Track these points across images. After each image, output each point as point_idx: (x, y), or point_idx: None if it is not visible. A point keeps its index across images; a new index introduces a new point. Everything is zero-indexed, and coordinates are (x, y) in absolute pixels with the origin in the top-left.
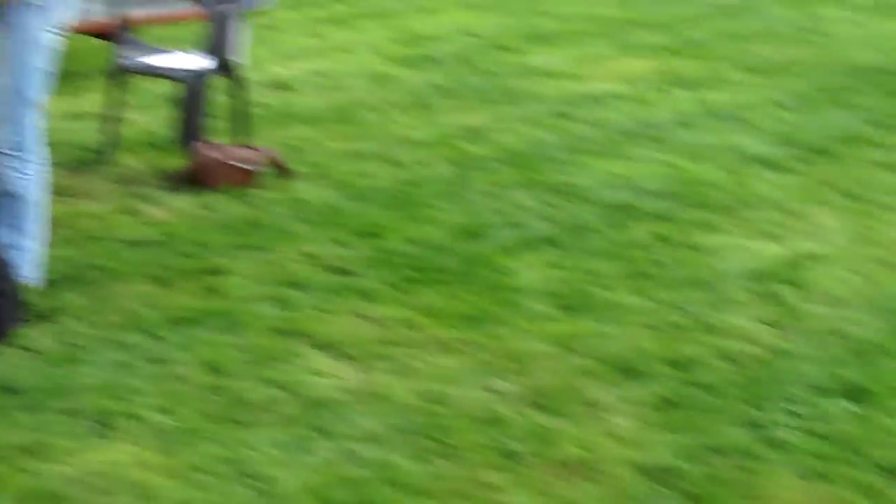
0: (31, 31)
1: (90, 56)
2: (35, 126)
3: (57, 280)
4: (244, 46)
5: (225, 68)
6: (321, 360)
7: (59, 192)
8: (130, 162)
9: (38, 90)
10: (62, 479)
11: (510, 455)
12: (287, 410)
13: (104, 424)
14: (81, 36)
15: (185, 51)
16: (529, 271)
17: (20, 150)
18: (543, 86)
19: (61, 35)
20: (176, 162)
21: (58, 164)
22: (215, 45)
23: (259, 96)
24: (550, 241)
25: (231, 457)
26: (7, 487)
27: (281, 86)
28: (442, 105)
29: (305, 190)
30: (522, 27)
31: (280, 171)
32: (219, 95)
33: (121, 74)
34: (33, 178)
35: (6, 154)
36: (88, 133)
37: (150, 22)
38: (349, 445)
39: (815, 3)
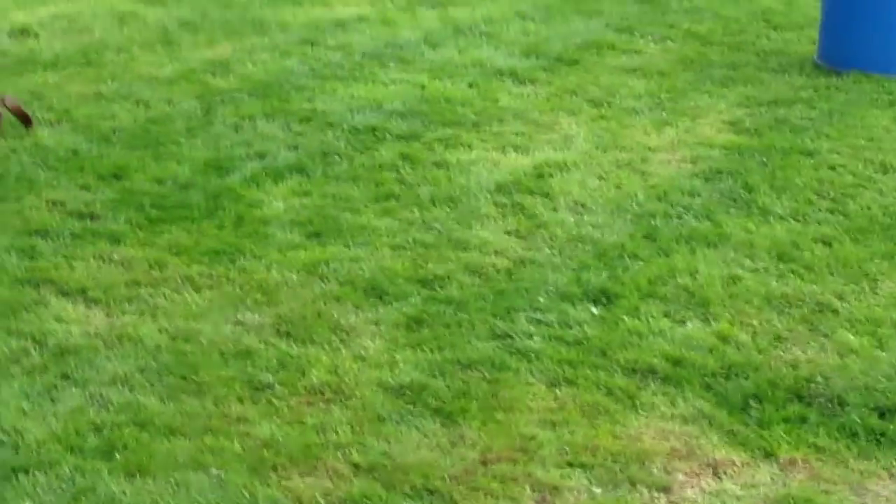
0: None
1: None
2: None
3: None
4: None
5: None
6: (68, 307)
7: None
8: None
9: None
10: None
11: (259, 386)
12: (35, 361)
13: None
14: None
15: None
16: (277, 201)
17: None
18: (290, 14)
19: None
20: None
21: None
22: None
23: (0, 44)
24: (298, 170)
25: None
26: None
27: (22, 32)
28: (187, 40)
29: (48, 136)
30: None
31: (21, 119)
32: None
33: None
34: None
35: None
36: None
37: None
38: (98, 391)
39: None
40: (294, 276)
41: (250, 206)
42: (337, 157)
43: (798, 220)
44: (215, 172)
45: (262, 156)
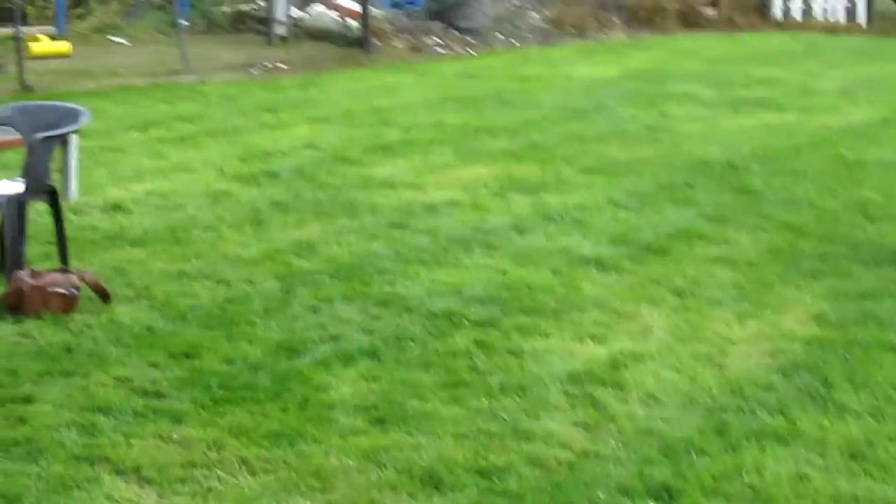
0: None
1: None
2: None
3: None
4: (75, 170)
5: (43, 193)
6: (120, 486)
7: None
8: None
9: None
10: None
11: None
12: None
13: None
14: None
15: (7, 178)
16: (345, 385)
17: None
18: (382, 197)
19: None
20: None
21: None
22: (33, 171)
23: (92, 219)
24: (369, 353)
25: None
26: None
27: (115, 208)
28: (276, 220)
29: (125, 313)
30: (367, 139)
31: (100, 294)
32: (43, 220)
33: None
34: None
35: None
36: None
37: None
38: None
39: (663, 101)
40: (352, 463)
41: (317, 390)
42: (411, 343)
43: (874, 417)
44: (286, 354)
45: (335, 339)
